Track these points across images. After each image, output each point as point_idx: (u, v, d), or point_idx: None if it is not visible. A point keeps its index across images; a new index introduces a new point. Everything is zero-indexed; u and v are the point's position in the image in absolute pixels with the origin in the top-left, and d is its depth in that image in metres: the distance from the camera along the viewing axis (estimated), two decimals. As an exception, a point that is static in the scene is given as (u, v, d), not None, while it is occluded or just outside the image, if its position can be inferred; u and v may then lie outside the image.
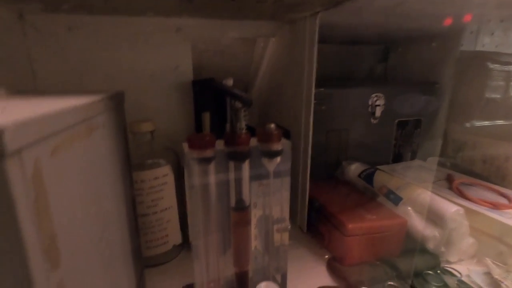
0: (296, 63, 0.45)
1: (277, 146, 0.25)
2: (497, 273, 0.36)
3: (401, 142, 0.58)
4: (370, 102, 0.54)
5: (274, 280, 0.29)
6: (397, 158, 0.59)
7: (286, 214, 0.28)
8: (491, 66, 0.52)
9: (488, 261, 0.38)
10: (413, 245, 0.40)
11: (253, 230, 0.28)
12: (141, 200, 0.36)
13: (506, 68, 0.53)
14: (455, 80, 0.56)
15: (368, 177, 0.48)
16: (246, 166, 0.25)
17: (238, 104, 0.23)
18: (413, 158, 0.60)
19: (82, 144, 0.15)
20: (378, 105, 0.54)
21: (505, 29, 0.89)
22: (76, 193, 0.14)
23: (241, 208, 0.25)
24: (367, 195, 0.47)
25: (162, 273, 0.38)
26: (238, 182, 0.25)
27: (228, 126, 0.24)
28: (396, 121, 0.56)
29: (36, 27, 0.37)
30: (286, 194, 0.27)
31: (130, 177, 0.26)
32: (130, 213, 0.25)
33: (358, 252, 0.38)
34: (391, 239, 0.39)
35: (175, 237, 0.40)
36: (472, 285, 0.35)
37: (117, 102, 0.22)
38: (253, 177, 0.26)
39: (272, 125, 0.25)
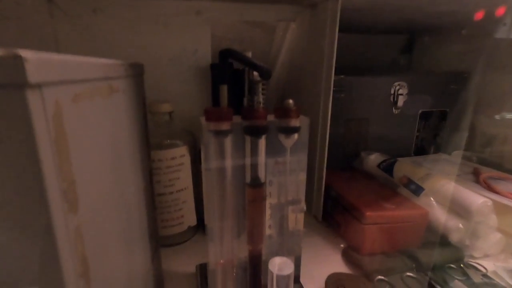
0: (316, 49, 0.44)
1: (295, 123, 0.24)
2: (526, 270, 0.34)
3: (424, 134, 0.56)
4: (392, 91, 0.52)
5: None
6: (419, 151, 0.57)
7: (302, 195, 0.27)
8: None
9: (517, 257, 0.35)
10: (435, 237, 0.38)
11: (268, 209, 0.27)
12: (158, 179, 0.37)
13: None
14: (487, 70, 0.53)
15: (388, 167, 0.46)
16: (262, 142, 0.24)
17: (256, 77, 0.23)
18: (436, 151, 0.57)
19: (103, 102, 0.16)
20: (401, 95, 0.52)
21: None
22: (96, 146, 0.15)
23: (257, 184, 0.25)
24: (386, 186, 0.45)
25: (177, 253, 0.39)
26: (254, 158, 0.25)
27: (245, 100, 0.24)
28: (420, 111, 0.54)
29: (63, 8, 0.38)
30: (302, 174, 0.27)
31: (148, 153, 0.27)
32: (148, 187, 0.26)
33: (375, 241, 0.37)
34: (411, 230, 0.38)
35: (191, 219, 0.40)
36: (499, 281, 0.33)
37: (136, 72, 0.23)
38: (270, 154, 0.26)
39: (291, 101, 0.24)
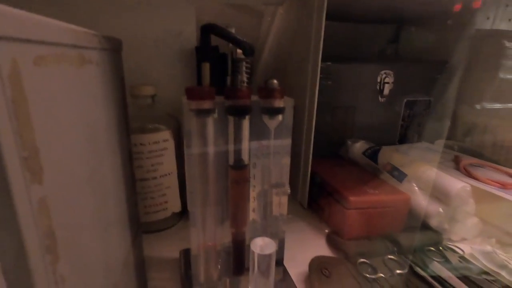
0: (303, 35, 0.43)
1: (279, 103, 0.24)
2: (500, 252, 0.35)
3: (409, 123, 0.57)
4: (378, 79, 0.52)
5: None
6: (404, 139, 0.58)
7: (286, 178, 0.27)
8: (507, 44, 0.50)
9: (492, 240, 0.37)
10: (416, 221, 0.39)
11: (252, 192, 0.27)
12: (140, 163, 0.36)
13: (524, 47, 0.51)
14: (468, 60, 0.54)
15: (372, 154, 0.47)
16: (246, 122, 0.24)
17: (239, 55, 0.22)
18: (420, 140, 0.58)
19: (74, 71, 0.15)
20: (387, 83, 0.52)
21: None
22: (66, 117, 0.14)
23: (240, 166, 0.25)
24: (370, 172, 0.46)
25: (161, 239, 0.38)
26: (238, 139, 0.24)
27: (229, 79, 0.23)
28: (405, 100, 0.55)
29: (38, -17, 0.36)
30: (286, 157, 0.26)
31: (127, 134, 0.26)
32: (127, 170, 0.25)
33: (358, 225, 0.38)
34: (393, 214, 0.38)
35: (175, 204, 0.40)
36: (475, 262, 0.34)
37: (113, 47, 0.22)
38: (254, 137, 0.25)
39: (275, 81, 0.24)
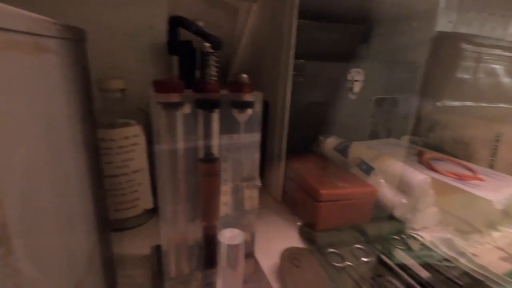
0: (276, 32, 0.44)
1: (248, 97, 0.24)
2: (457, 239, 0.38)
3: (378, 119, 0.59)
4: (349, 77, 0.54)
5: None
6: (373, 135, 0.60)
7: (256, 171, 0.28)
8: (464, 46, 0.53)
9: (450, 228, 0.40)
10: (382, 212, 0.41)
11: (223, 186, 0.27)
12: (110, 159, 0.35)
13: (478, 49, 0.55)
14: (430, 60, 0.57)
15: (343, 149, 0.49)
16: (215, 116, 0.24)
17: (208, 48, 0.22)
18: (388, 136, 0.61)
19: (28, 60, 0.14)
20: (357, 81, 0.54)
21: (482, 20, 0.91)
22: (18, 103, 0.13)
23: (210, 160, 0.25)
24: (341, 167, 0.47)
25: (132, 236, 0.37)
26: (207, 133, 0.24)
27: (197, 72, 0.23)
28: (374, 98, 0.57)
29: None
30: (256, 150, 0.27)
31: (93, 128, 0.25)
32: (93, 165, 0.24)
33: (329, 217, 0.39)
34: (361, 206, 0.40)
35: (147, 201, 0.39)
36: (434, 248, 0.37)
37: (75, 36, 0.21)
38: (224, 130, 0.25)
39: (244, 75, 0.24)
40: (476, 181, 0.41)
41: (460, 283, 0.31)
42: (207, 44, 0.21)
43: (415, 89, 0.60)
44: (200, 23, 0.21)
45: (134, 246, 0.36)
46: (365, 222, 0.40)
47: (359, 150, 0.47)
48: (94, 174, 0.24)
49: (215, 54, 0.23)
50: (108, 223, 0.28)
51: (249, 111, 0.25)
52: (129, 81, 0.37)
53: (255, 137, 0.26)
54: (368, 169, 0.43)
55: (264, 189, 0.52)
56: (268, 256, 0.34)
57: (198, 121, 0.24)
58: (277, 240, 0.38)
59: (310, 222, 0.40)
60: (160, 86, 0.22)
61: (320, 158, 0.51)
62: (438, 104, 0.55)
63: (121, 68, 0.42)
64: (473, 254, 0.35)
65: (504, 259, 0.35)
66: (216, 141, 0.25)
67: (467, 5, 0.87)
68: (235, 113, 0.25)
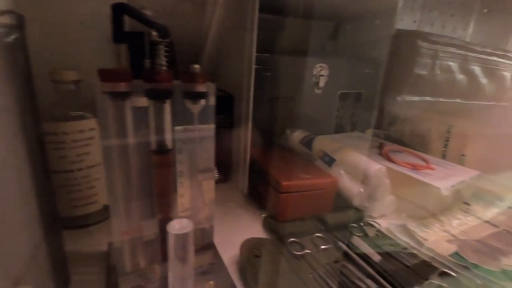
0: (240, 26, 0.44)
1: (201, 88, 0.24)
2: (410, 224, 0.41)
3: (343, 113, 0.61)
4: (315, 72, 0.55)
5: (202, 231, 0.29)
6: (339, 129, 0.62)
7: (212, 163, 0.28)
8: (420, 43, 0.56)
9: (403, 215, 0.42)
10: (343, 202, 0.43)
11: (179, 178, 0.27)
12: (63, 154, 0.33)
13: (434, 47, 0.58)
14: (390, 57, 0.60)
15: (308, 142, 0.50)
16: (167, 107, 0.24)
17: (156, 37, 0.22)
18: (353, 129, 0.64)
19: None
20: (322, 75, 0.56)
21: (443, 21, 0.97)
22: None
23: (163, 151, 0.25)
24: (305, 159, 0.49)
25: (90, 234, 0.36)
26: (159, 124, 0.24)
27: (147, 62, 0.23)
28: (339, 92, 0.59)
29: None
30: (211, 142, 0.27)
31: (35, 120, 0.24)
32: (36, 160, 0.23)
33: (291, 208, 0.40)
34: (323, 196, 0.41)
35: (106, 197, 0.38)
36: (388, 234, 0.39)
37: (12, 22, 0.20)
38: (178, 121, 0.25)
39: (196, 66, 0.24)
40: (428, 170, 0.44)
41: (408, 264, 0.33)
42: (155, 33, 0.21)
43: (377, 84, 0.63)
44: (148, 12, 0.21)
45: (93, 242, 0.35)
46: (327, 212, 0.41)
47: (322, 143, 0.49)
48: (37, 170, 0.23)
49: (165, 43, 0.22)
50: (58, 220, 0.27)
51: (202, 102, 0.25)
52: (85, 72, 0.36)
53: (210, 128, 0.26)
54: (330, 161, 0.44)
55: (232, 183, 0.52)
56: (231, 248, 0.34)
57: (149, 111, 0.23)
58: (241, 232, 0.39)
59: (274, 213, 0.41)
60: (106, 74, 0.21)
61: (286, 152, 0.52)
62: (398, 99, 0.58)
63: (77, 59, 0.40)
64: (423, 238, 0.38)
65: (450, 242, 0.38)
66: (168, 132, 0.24)
67: (429, 6, 0.92)
68: (188, 104, 0.25)
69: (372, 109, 0.63)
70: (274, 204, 0.41)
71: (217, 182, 0.51)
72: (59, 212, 0.33)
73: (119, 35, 0.21)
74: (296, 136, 0.53)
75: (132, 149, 0.24)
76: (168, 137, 0.25)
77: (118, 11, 0.20)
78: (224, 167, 0.52)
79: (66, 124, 0.33)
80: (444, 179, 0.41)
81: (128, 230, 0.25)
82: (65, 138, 0.33)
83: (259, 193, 0.46)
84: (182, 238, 0.20)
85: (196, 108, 0.25)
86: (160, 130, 0.24)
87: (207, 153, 0.27)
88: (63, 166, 0.34)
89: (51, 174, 0.32)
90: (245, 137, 0.46)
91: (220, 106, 0.49)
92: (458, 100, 0.68)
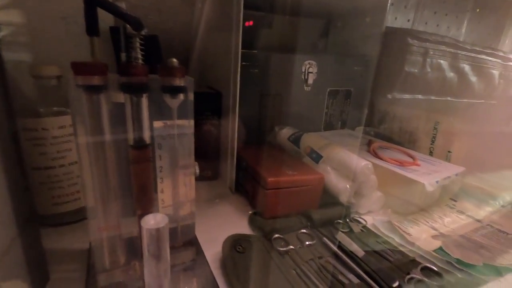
0: (226, 22, 0.43)
1: (179, 82, 0.24)
2: (395, 220, 0.41)
3: (332, 111, 0.61)
4: (303, 69, 0.55)
5: (183, 227, 0.29)
6: (328, 126, 0.62)
7: (192, 158, 0.27)
8: (411, 41, 0.57)
9: (389, 211, 0.42)
10: (330, 198, 0.43)
11: (159, 173, 0.27)
12: (42, 150, 0.33)
13: (424, 44, 0.59)
14: (381, 54, 0.60)
15: (296, 139, 0.50)
16: (144, 101, 0.24)
17: (131, 30, 0.21)
18: (343, 127, 0.64)
19: None
20: (311, 73, 0.56)
21: (437, 20, 0.97)
22: None
23: (140, 146, 0.24)
24: (293, 156, 0.49)
25: (73, 231, 0.36)
26: (137, 119, 0.24)
27: (123, 55, 0.22)
28: (328, 90, 0.59)
29: None
30: (191, 137, 0.27)
31: (8, 114, 0.23)
32: (9, 155, 0.23)
33: (277, 204, 0.40)
34: (309, 193, 0.41)
35: (89, 194, 0.38)
36: (373, 230, 0.39)
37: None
38: (158, 117, 0.25)
39: (174, 60, 0.24)
40: (414, 167, 0.44)
41: (392, 260, 0.33)
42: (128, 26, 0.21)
43: (367, 81, 0.63)
44: (122, 4, 0.20)
45: (74, 240, 0.34)
46: (314, 208, 0.41)
47: (310, 139, 0.48)
48: (10, 167, 0.22)
49: (140, 36, 0.22)
50: (36, 217, 0.27)
51: (181, 96, 0.25)
52: (67, 68, 0.35)
53: (189, 123, 0.26)
54: (317, 157, 0.44)
55: (220, 181, 0.52)
56: (215, 245, 0.34)
57: (127, 107, 0.23)
58: (226, 229, 0.38)
59: (260, 210, 0.41)
60: (80, 68, 0.21)
61: (275, 149, 0.52)
62: (389, 96, 0.58)
63: (59, 54, 0.39)
64: (408, 234, 0.38)
65: (435, 237, 0.38)
66: (146, 126, 0.24)
67: (423, 5, 0.92)
68: (167, 98, 0.24)
69: (362, 107, 0.63)
70: (260, 201, 0.41)
71: (206, 179, 0.52)
72: (37, 208, 0.33)
73: (92, 28, 0.20)
74: (285, 133, 0.53)
75: (109, 144, 0.23)
76: (146, 133, 0.24)
77: (90, 3, 0.19)
78: (213, 164, 0.52)
79: (47, 120, 0.32)
80: (429, 175, 0.42)
81: (106, 226, 0.25)
82: (46, 134, 0.32)
83: (247, 190, 0.45)
84: (156, 233, 0.20)
85: (174, 103, 0.25)
86: (138, 125, 0.24)
87: (187, 149, 0.27)
88: (44, 163, 0.33)
89: (28, 170, 0.32)
90: (232, 134, 0.45)
91: (209, 103, 0.49)
92: (448, 98, 0.68)
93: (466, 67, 0.69)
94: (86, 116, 0.22)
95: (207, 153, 0.51)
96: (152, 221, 0.21)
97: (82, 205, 0.37)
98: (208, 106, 0.49)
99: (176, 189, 0.27)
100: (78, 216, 0.37)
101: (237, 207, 0.45)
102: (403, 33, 0.60)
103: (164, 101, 0.25)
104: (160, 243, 0.20)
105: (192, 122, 0.26)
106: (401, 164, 0.45)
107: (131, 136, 0.24)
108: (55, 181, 0.34)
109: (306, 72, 0.55)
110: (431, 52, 0.63)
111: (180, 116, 0.25)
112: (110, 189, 0.24)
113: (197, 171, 0.28)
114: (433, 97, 0.66)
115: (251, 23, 0.57)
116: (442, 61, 0.66)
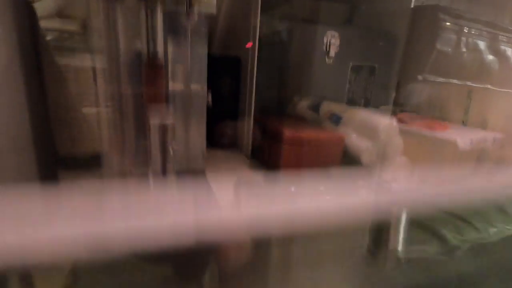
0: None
1: (194, -3, 0.24)
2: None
3: (355, 87, 0.59)
4: (325, 41, 0.54)
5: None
6: (351, 103, 0.60)
7: (204, 86, 0.27)
8: (442, 17, 0.53)
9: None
10: (350, 160, 0.40)
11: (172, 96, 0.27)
12: (63, 91, 0.34)
13: (457, 21, 0.55)
14: (410, 31, 0.57)
15: (316, 106, 0.48)
16: (159, 13, 0.24)
17: None
18: (366, 105, 0.61)
19: None
20: (333, 44, 0.54)
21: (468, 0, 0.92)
22: None
23: (155, 65, 0.24)
24: (312, 123, 0.47)
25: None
26: (152, 32, 0.24)
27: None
28: (350, 64, 0.57)
29: None
30: (204, 59, 0.26)
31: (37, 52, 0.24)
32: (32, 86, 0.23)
33: (295, 161, 0.38)
34: (328, 151, 0.39)
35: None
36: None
37: None
38: (171, 36, 0.25)
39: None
40: (445, 130, 0.41)
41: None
42: None
43: (394, 59, 0.60)
44: None
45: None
46: (334, 167, 0.39)
47: (330, 105, 0.47)
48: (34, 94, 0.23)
49: None
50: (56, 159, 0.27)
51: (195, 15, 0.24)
52: None
53: (203, 46, 0.26)
54: (337, 120, 0.42)
55: (236, 149, 0.51)
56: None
57: (140, 15, 0.23)
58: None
59: (277, 167, 0.39)
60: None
61: (294, 117, 0.51)
62: (420, 78, 0.55)
63: None
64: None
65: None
66: (161, 41, 0.24)
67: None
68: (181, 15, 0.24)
69: (387, 85, 0.60)
70: (277, 157, 0.39)
71: (226, 147, 0.51)
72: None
73: None
74: (304, 102, 0.51)
75: (123, 58, 0.24)
76: (160, 47, 0.24)
77: None
78: (231, 132, 0.51)
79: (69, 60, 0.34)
80: (460, 135, 0.38)
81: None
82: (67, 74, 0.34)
83: (262, 150, 0.44)
84: (158, 127, 0.19)
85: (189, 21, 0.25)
86: (152, 38, 0.24)
87: (200, 64, 0.26)
88: (64, 103, 0.34)
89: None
90: (249, 100, 0.45)
91: (227, 68, 0.50)
92: (488, 86, 0.63)
93: (508, 50, 0.64)
94: (103, 23, 0.22)
95: (225, 119, 0.50)
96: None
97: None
98: (226, 71, 0.49)
99: (187, 107, 0.27)
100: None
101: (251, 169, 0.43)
102: (434, 9, 0.57)
103: (178, 19, 0.25)
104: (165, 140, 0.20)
105: (205, 41, 0.26)
106: (429, 128, 0.42)
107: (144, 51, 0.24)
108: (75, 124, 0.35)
109: (328, 43, 0.54)
110: (466, 30, 0.59)
111: (194, 34, 0.25)
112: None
113: (210, 101, 0.28)
114: (469, 83, 0.61)
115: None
116: (477, 41, 0.62)
